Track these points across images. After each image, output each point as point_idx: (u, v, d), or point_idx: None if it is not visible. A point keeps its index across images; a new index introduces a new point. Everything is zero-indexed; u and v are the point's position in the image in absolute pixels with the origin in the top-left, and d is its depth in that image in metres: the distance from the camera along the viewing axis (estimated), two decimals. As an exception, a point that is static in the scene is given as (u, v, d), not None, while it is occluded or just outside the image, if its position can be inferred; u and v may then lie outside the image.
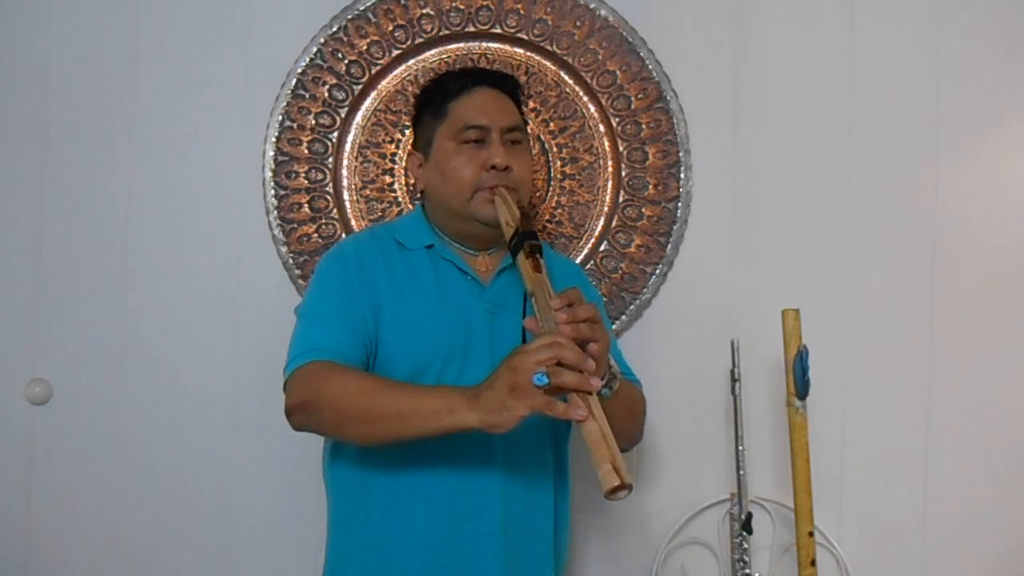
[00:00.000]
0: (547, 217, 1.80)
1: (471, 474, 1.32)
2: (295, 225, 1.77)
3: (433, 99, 1.42)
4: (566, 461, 1.45)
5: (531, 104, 1.78)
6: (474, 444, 1.26)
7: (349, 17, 1.77)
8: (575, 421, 1.11)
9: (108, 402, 1.77)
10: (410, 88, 1.77)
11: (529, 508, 1.37)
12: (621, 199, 1.80)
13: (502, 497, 1.33)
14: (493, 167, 1.36)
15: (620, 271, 1.79)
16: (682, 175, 1.79)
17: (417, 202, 1.67)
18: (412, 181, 1.77)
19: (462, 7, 1.78)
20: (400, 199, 1.79)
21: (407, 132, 1.75)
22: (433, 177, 1.41)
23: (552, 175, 1.80)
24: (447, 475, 1.31)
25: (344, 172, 1.78)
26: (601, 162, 1.80)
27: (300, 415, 1.27)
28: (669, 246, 1.79)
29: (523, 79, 1.76)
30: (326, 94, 1.77)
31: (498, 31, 1.79)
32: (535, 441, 1.38)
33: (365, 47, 1.78)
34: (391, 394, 1.21)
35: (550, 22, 1.79)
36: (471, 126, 1.38)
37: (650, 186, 1.80)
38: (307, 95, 1.77)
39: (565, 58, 1.79)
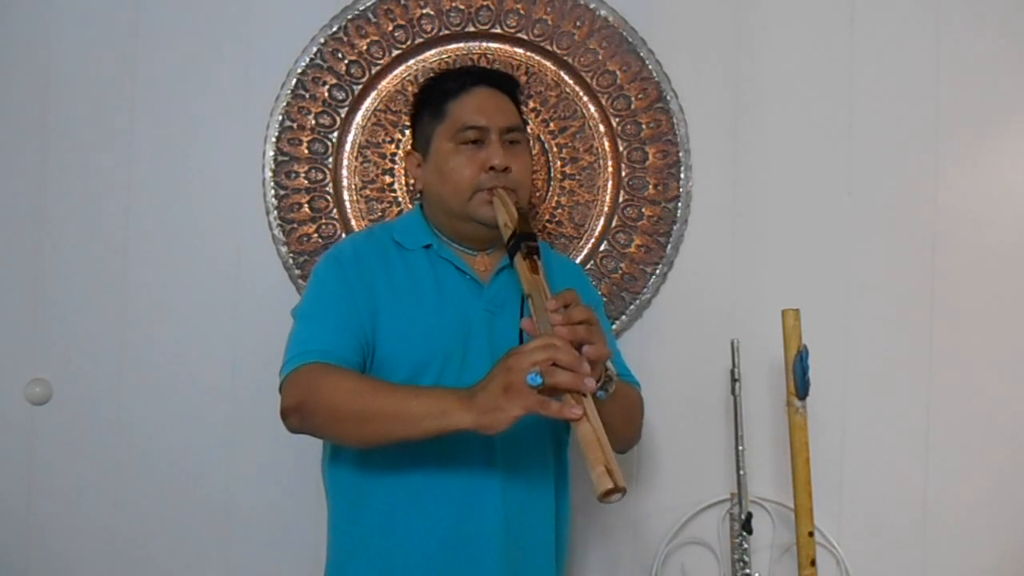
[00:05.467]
0: (547, 217, 1.80)
1: (472, 476, 1.32)
2: (295, 225, 1.77)
3: (432, 99, 1.42)
4: (567, 462, 1.45)
5: (531, 104, 1.78)
6: (475, 446, 1.26)
7: (349, 17, 1.77)
8: (570, 421, 1.11)
9: (108, 402, 1.77)
10: (410, 88, 1.77)
11: (530, 510, 1.37)
12: (621, 199, 1.80)
13: (503, 499, 1.33)
14: (492, 168, 1.36)
15: (620, 271, 1.79)
16: (682, 175, 1.79)
17: (416, 202, 1.67)
18: (411, 181, 1.77)
19: (462, 7, 1.78)
20: (400, 199, 1.79)
21: (407, 132, 1.75)
22: (432, 177, 1.41)
23: (552, 175, 1.80)
24: (447, 477, 1.31)
25: (344, 172, 1.78)
26: (601, 162, 1.80)
27: (295, 417, 1.27)
28: (669, 246, 1.79)
29: (523, 79, 1.76)
30: (326, 94, 1.77)
31: (498, 31, 1.79)
32: (536, 443, 1.38)
33: (365, 47, 1.78)
34: (385, 396, 1.21)
35: (550, 22, 1.79)
36: (470, 126, 1.37)
37: (650, 186, 1.80)
38: (307, 95, 1.77)
39: (565, 58, 1.79)
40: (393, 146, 1.79)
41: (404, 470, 1.31)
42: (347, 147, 1.78)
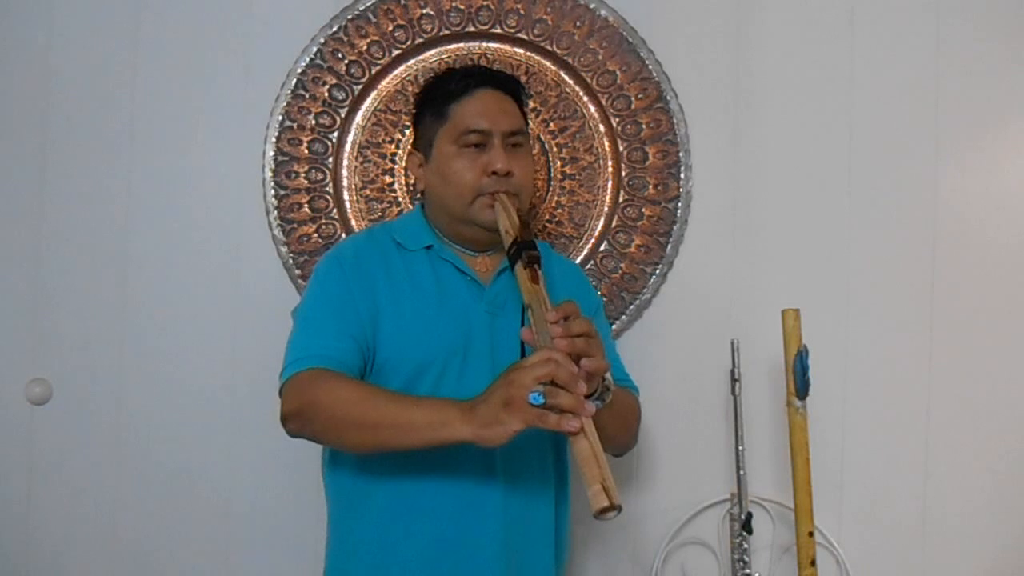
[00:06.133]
0: (547, 217, 1.80)
1: (472, 484, 1.31)
2: (295, 225, 1.77)
3: (434, 100, 1.41)
4: (567, 471, 1.44)
5: (531, 104, 1.77)
6: (475, 454, 1.25)
7: (349, 17, 1.77)
8: (568, 435, 1.11)
9: (108, 402, 1.77)
10: (410, 88, 1.77)
11: (530, 517, 1.37)
12: (621, 199, 1.80)
13: (503, 508, 1.32)
14: (494, 172, 1.35)
15: (620, 271, 1.79)
16: (682, 175, 1.79)
17: (417, 202, 1.67)
18: (412, 181, 1.77)
19: (462, 7, 1.78)
20: (400, 199, 1.79)
21: (407, 132, 1.75)
22: (434, 179, 1.40)
23: (552, 175, 1.80)
24: (448, 484, 1.31)
25: (344, 172, 1.78)
26: (601, 162, 1.80)
27: (294, 423, 1.27)
28: (669, 246, 1.79)
29: (523, 79, 1.76)
30: (326, 94, 1.77)
31: (498, 31, 1.79)
32: (536, 452, 1.38)
33: (365, 47, 1.78)
34: (385, 404, 1.21)
35: (550, 22, 1.79)
36: (472, 130, 1.36)
37: (650, 186, 1.80)
38: (307, 95, 1.77)
39: (565, 58, 1.79)
40: (393, 146, 1.79)
41: (404, 475, 1.31)
42: (347, 147, 1.78)
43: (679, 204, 1.79)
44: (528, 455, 1.35)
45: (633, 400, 1.46)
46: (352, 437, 1.23)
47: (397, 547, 1.31)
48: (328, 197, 1.78)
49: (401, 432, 1.18)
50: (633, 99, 1.79)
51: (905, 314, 1.79)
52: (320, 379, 1.24)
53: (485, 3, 1.78)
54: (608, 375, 1.27)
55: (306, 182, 1.77)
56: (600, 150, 1.80)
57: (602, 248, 1.79)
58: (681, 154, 1.79)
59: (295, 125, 1.77)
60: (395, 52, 1.78)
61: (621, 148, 1.79)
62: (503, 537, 1.32)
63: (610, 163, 1.80)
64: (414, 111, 1.48)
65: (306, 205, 1.77)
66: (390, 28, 1.78)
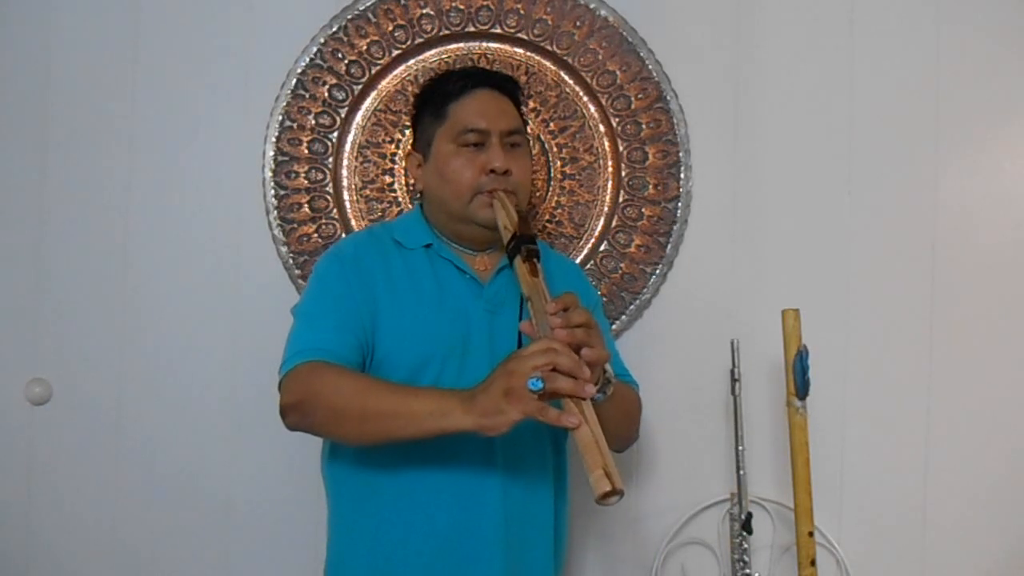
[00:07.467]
0: (547, 217, 1.80)
1: (472, 475, 1.32)
2: (295, 225, 1.77)
3: (433, 100, 1.42)
4: (565, 461, 1.45)
5: (531, 104, 1.77)
6: (474, 445, 1.26)
7: (349, 17, 1.77)
8: (568, 429, 1.11)
9: (108, 402, 1.78)
10: (410, 88, 1.77)
11: (530, 509, 1.37)
12: (621, 199, 1.80)
13: (503, 498, 1.33)
14: (492, 171, 1.36)
15: (620, 271, 1.79)
16: (682, 175, 1.79)
17: (416, 202, 1.67)
18: (412, 181, 1.77)
19: (462, 7, 1.78)
20: (400, 199, 1.79)
21: (407, 132, 1.75)
22: (432, 179, 1.41)
23: (552, 175, 1.80)
24: (448, 476, 1.31)
25: (344, 172, 1.78)
26: (601, 162, 1.80)
27: (294, 415, 1.27)
28: (669, 246, 1.79)
29: (523, 79, 1.76)
30: (326, 94, 1.77)
31: (498, 31, 1.79)
32: (535, 442, 1.38)
33: (365, 47, 1.78)
34: (385, 395, 1.21)
35: (550, 22, 1.79)
36: (470, 129, 1.37)
37: (650, 186, 1.80)
38: (307, 95, 1.77)
39: (565, 58, 1.79)
40: (393, 146, 1.79)
41: (404, 467, 1.31)
42: (347, 147, 1.78)
43: (679, 204, 1.79)
44: (526, 443, 1.35)
45: (634, 394, 1.47)
46: (352, 428, 1.23)
47: (397, 538, 1.32)
48: (328, 197, 1.78)
49: (402, 422, 1.19)
50: (633, 99, 1.79)
51: (905, 314, 1.79)
52: (320, 371, 1.25)
53: (485, 3, 1.78)
54: (608, 366, 1.28)
55: (306, 182, 1.77)
56: (600, 150, 1.80)
57: (602, 248, 1.80)
58: (681, 154, 1.79)
59: (295, 125, 1.77)
60: (395, 52, 1.78)
61: (621, 148, 1.79)
62: (503, 526, 1.33)
63: (610, 163, 1.80)
64: (413, 112, 1.49)
65: (306, 205, 1.78)
66: (390, 28, 1.78)
